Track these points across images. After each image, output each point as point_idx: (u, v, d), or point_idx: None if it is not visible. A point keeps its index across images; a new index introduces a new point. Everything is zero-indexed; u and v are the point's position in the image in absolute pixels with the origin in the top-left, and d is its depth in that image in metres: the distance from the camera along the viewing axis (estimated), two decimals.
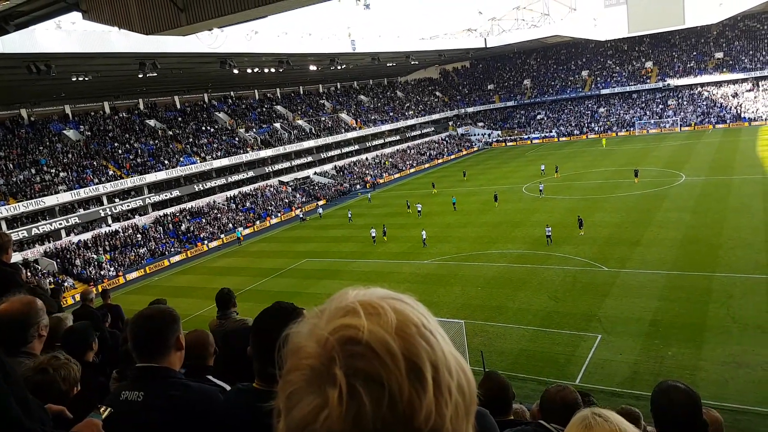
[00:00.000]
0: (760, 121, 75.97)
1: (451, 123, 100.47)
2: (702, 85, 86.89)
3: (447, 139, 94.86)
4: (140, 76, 48.17)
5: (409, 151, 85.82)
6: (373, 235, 41.78)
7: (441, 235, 40.45)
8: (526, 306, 26.49)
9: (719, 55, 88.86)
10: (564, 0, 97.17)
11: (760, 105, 79.20)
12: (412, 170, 78.77)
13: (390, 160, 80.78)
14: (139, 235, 49.64)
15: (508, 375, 20.49)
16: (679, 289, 25.72)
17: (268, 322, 2.26)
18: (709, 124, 79.37)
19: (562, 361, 21.03)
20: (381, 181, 72.86)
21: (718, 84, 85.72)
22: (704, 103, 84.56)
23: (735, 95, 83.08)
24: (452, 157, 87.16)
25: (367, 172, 75.12)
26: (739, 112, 79.60)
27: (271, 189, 64.44)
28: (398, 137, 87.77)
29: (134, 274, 44.37)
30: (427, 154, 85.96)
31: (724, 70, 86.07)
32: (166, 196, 54.72)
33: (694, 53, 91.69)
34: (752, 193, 40.45)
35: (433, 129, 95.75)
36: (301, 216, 56.37)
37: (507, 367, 20.99)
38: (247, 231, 53.80)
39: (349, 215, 51.77)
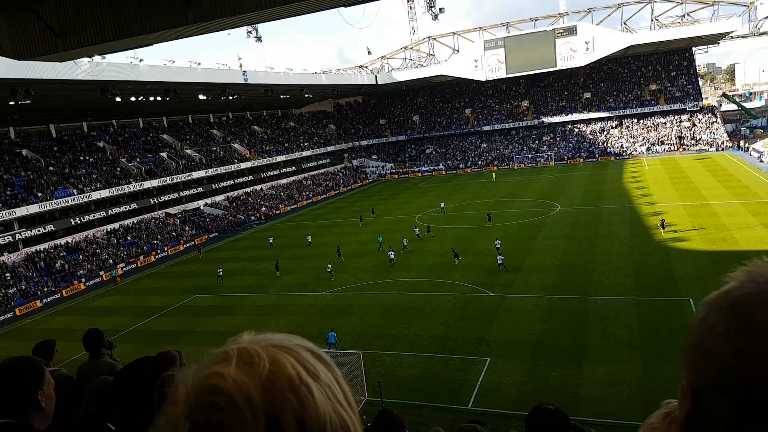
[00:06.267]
0: (625, 156, 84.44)
1: (346, 155, 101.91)
2: (573, 122, 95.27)
3: (343, 170, 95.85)
4: (11, 103, 44.46)
5: (305, 182, 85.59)
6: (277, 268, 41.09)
7: (339, 265, 40.42)
8: (420, 333, 27.09)
9: (587, 95, 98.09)
10: (447, 41, 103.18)
11: (624, 141, 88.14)
12: (309, 201, 78.54)
13: (285, 191, 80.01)
14: (7, 274, 45.01)
15: (405, 403, 20.82)
16: (560, 311, 27.54)
17: (128, 378, 2.16)
18: (580, 158, 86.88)
19: (455, 386, 21.63)
20: (276, 212, 71.86)
21: (587, 122, 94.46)
22: (575, 139, 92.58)
23: (602, 131, 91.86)
24: (348, 188, 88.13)
25: (262, 203, 73.80)
26: (606, 147, 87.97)
27: (157, 221, 61.30)
28: (294, 168, 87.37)
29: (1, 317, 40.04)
30: (323, 185, 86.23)
31: (592, 109, 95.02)
32: (38, 231, 50.21)
33: (566, 93, 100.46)
34: (620, 220, 44.58)
35: (328, 161, 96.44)
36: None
37: (404, 396, 21.24)
38: (130, 267, 50.67)
39: (270, 240, 51.85)
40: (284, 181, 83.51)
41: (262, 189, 78.51)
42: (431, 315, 29.32)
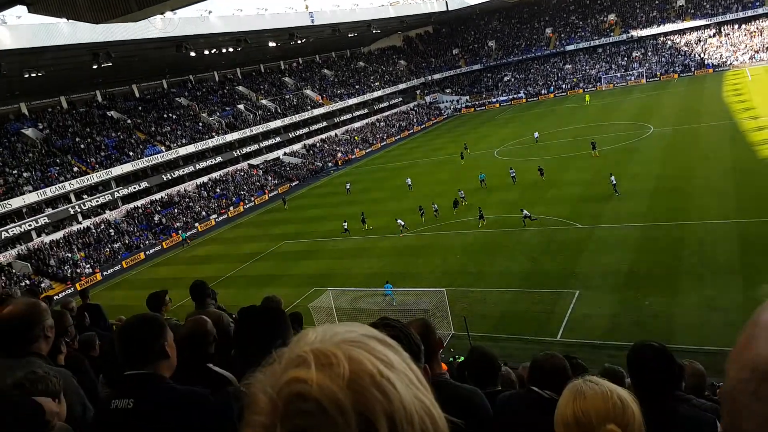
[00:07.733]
0: (725, 67, 76.83)
1: (418, 92, 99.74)
2: (665, 34, 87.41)
3: (416, 108, 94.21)
4: (94, 67, 46.78)
5: (378, 124, 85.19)
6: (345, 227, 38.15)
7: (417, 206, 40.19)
8: (505, 269, 26.81)
9: (681, 2, 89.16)
10: None
11: (723, 50, 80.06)
12: (383, 143, 78.39)
13: (359, 135, 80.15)
14: (111, 230, 48.73)
15: (491, 337, 20.86)
16: (653, 239, 26.25)
17: (246, 327, 2.63)
18: (674, 74, 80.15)
19: (543, 319, 21.42)
20: (352, 156, 72.43)
21: (681, 32, 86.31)
22: (668, 52, 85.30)
23: (698, 42, 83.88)
24: (422, 127, 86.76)
25: (337, 148, 74.50)
26: (703, 59, 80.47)
27: (242, 173, 63.57)
28: (366, 110, 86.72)
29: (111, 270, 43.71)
30: (397, 125, 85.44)
31: (687, 17, 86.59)
32: (134, 188, 53.58)
33: (656, 2, 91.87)
34: (720, 139, 41.15)
35: (400, 99, 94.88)
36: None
37: (490, 330, 21.33)
38: (222, 218, 53.44)
39: (348, 186, 51.46)
40: (357, 124, 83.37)
41: (336, 134, 79.03)
42: (515, 251, 28.85)
